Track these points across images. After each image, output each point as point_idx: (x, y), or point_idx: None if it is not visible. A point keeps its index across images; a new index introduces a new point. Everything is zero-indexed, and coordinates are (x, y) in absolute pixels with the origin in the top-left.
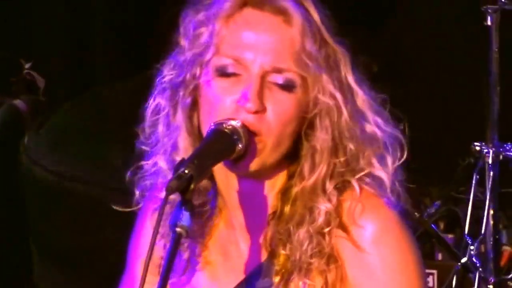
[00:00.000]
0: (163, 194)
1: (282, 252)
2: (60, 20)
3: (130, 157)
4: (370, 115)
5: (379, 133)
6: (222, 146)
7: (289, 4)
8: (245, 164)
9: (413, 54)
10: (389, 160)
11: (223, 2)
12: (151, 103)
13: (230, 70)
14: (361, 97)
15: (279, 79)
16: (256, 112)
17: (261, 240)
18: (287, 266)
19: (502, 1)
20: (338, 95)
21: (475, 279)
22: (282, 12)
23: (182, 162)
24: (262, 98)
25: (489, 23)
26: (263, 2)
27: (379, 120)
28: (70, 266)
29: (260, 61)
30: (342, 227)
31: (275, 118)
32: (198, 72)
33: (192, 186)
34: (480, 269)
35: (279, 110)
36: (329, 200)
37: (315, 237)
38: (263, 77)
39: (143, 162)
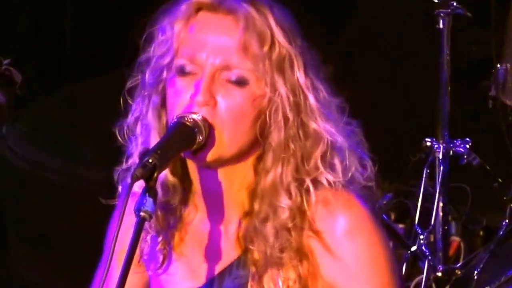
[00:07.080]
0: (136, 186)
1: (253, 247)
2: (36, 20)
3: (101, 151)
4: (319, 120)
5: (326, 138)
6: (184, 137)
7: (240, 6)
8: (203, 155)
9: (366, 53)
10: (337, 164)
11: (181, 9)
12: (127, 104)
13: (187, 69)
14: (311, 102)
15: (232, 75)
16: (206, 105)
17: (235, 236)
18: (260, 261)
19: (454, 6)
20: (288, 96)
21: (424, 267)
22: (232, 12)
23: (147, 152)
24: (213, 92)
25: (441, 26)
26: (216, 5)
27: (328, 127)
28: (44, 250)
29: (211, 60)
30: (313, 224)
31: (227, 111)
32: (164, 73)
33: (155, 174)
34: (429, 257)
35: (230, 103)
36: (290, 197)
37: (281, 233)
38: (214, 74)
39: (128, 163)
